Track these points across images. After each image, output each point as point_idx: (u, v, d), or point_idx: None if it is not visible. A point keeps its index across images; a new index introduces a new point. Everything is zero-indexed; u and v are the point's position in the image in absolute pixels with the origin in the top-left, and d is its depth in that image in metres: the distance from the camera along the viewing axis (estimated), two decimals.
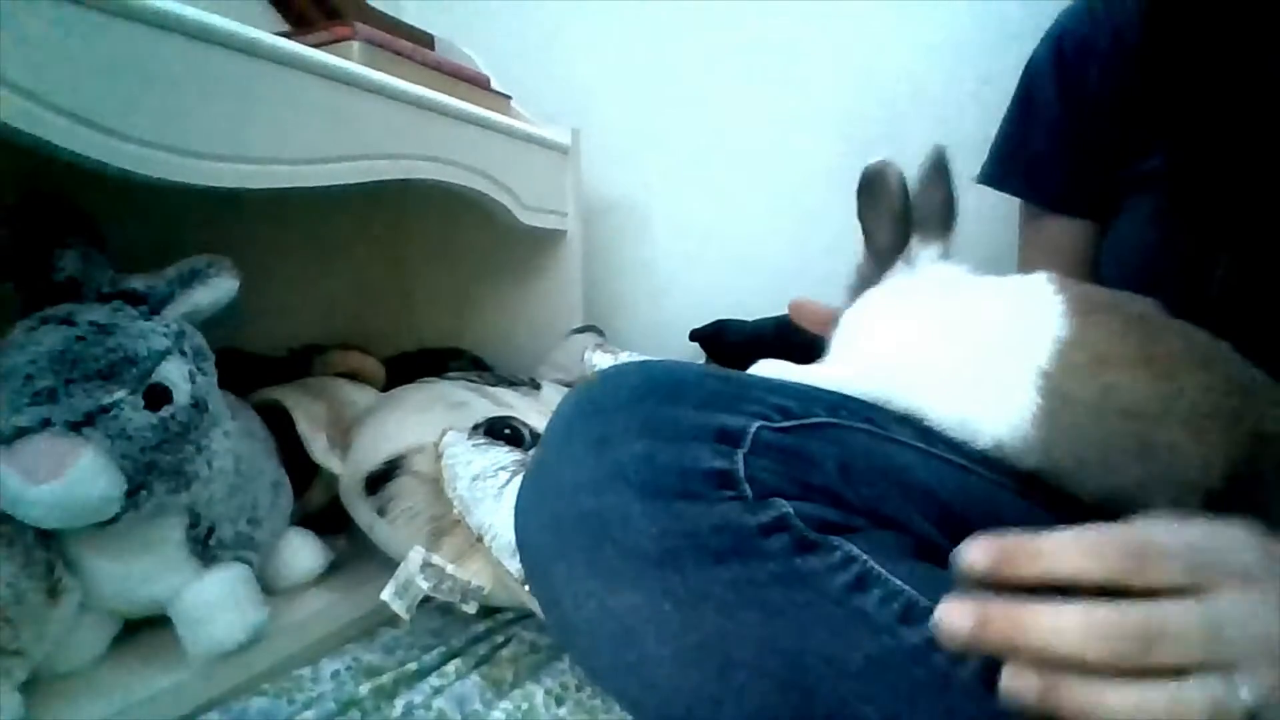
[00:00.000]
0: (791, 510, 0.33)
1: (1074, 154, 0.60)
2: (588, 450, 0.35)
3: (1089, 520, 0.38)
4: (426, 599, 0.61)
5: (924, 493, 0.37)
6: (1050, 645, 0.25)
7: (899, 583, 0.31)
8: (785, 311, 0.55)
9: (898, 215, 0.45)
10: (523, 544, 0.38)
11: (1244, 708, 0.23)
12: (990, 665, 0.29)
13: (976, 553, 0.27)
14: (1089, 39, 0.58)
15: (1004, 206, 0.68)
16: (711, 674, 0.31)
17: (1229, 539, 0.28)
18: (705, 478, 0.33)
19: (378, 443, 0.70)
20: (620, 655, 0.33)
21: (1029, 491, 0.40)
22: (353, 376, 0.84)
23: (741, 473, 0.33)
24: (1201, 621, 0.25)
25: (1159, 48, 0.51)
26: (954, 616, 0.26)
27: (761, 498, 0.33)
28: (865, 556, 0.32)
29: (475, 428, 0.69)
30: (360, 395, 0.80)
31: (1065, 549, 0.27)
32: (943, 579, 0.32)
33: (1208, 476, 0.35)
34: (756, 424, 0.35)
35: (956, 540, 0.35)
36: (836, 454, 0.36)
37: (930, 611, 0.29)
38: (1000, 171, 0.66)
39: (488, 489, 0.61)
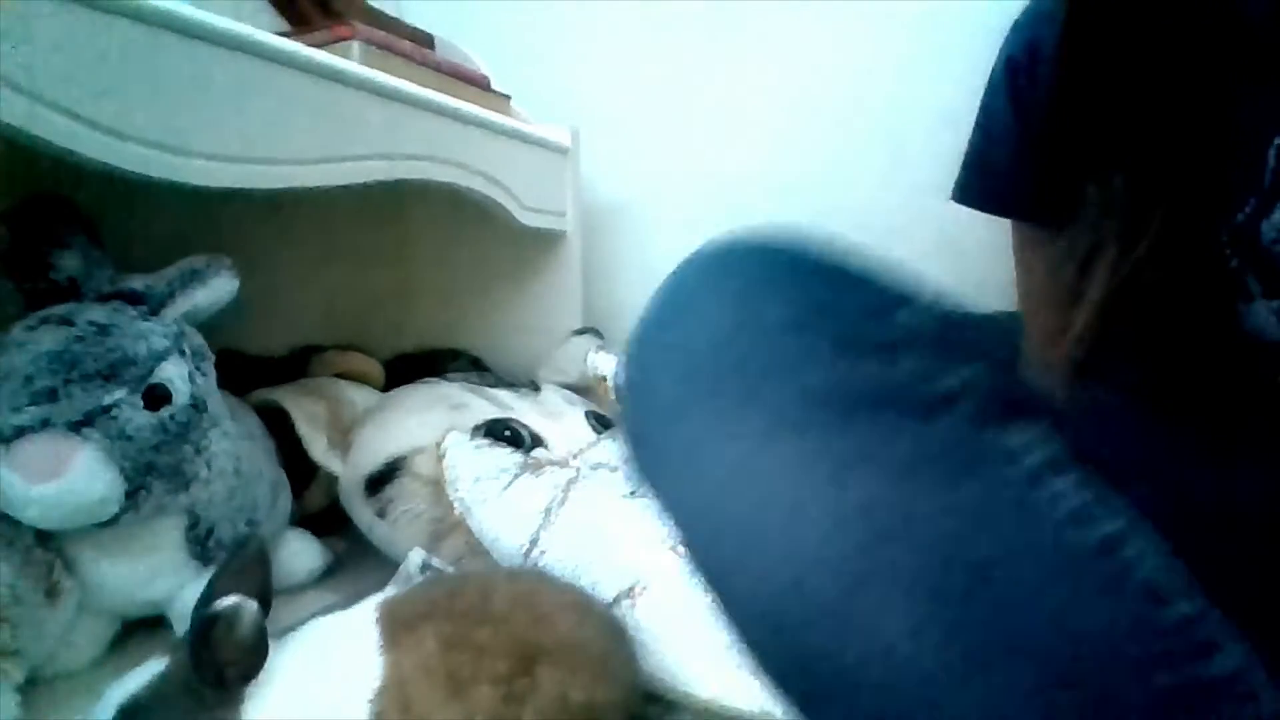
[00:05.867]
0: (977, 380, 0.30)
1: (1034, 164, 0.55)
2: (769, 296, 0.32)
3: None
4: None
5: None
6: None
7: (1082, 478, 0.29)
8: None
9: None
10: (639, 406, 0.35)
11: None
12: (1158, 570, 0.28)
13: None
14: (1036, 41, 0.54)
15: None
16: (866, 542, 0.28)
17: None
18: (890, 328, 0.31)
19: (378, 444, 0.70)
20: (756, 517, 0.30)
21: None
22: (351, 377, 0.84)
23: (925, 331, 0.31)
24: None
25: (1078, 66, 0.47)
26: None
27: (945, 364, 0.30)
28: (1053, 444, 0.29)
29: (476, 429, 0.69)
30: (360, 396, 0.80)
31: None
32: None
33: None
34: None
35: None
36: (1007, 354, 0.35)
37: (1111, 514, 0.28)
38: (969, 189, 0.63)
39: (489, 491, 0.61)
